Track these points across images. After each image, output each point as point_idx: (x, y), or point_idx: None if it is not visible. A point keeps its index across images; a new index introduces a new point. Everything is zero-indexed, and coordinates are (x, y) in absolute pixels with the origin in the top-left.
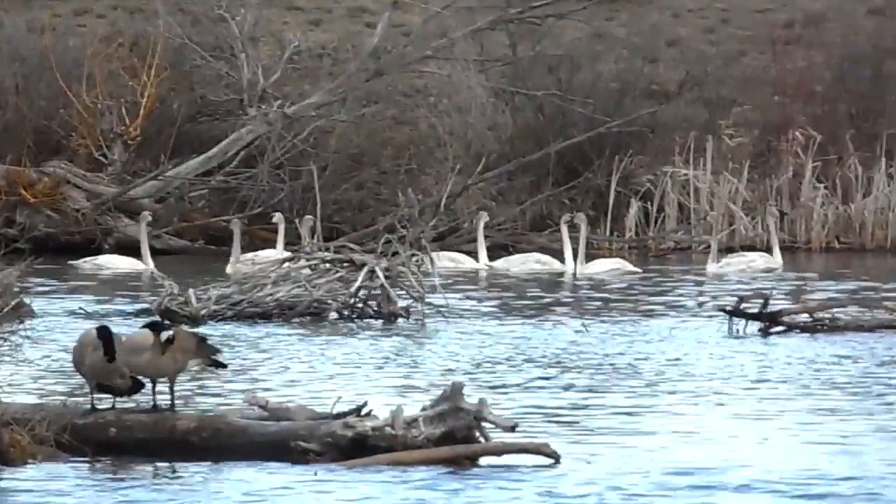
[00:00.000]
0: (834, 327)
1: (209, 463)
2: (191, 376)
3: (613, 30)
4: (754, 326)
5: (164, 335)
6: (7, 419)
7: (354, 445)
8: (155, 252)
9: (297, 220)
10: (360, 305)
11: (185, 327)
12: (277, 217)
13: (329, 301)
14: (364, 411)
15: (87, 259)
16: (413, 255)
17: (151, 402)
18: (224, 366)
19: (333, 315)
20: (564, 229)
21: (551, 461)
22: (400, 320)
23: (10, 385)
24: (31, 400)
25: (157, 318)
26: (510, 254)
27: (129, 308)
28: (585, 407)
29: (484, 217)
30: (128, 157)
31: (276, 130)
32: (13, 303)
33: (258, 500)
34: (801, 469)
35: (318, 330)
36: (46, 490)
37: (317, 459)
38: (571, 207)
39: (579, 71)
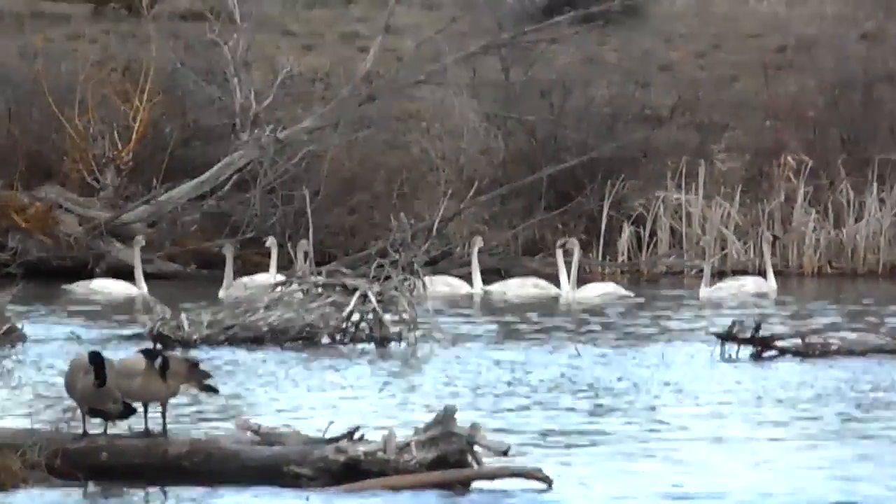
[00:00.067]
0: (826, 352)
1: (201, 488)
2: (183, 401)
3: (605, 55)
4: (747, 351)
5: (158, 363)
6: None
7: (347, 470)
8: (147, 276)
9: (289, 245)
10: (352, 330)
11: (178, 352)
12: (270, 241)
13: (321, 325)
14: (356, 436)
15: (81, 283)
16: (405, 279)
17: (143, 427)
18: (216, 391)
19: (326, 339)
20: (560, 254)
21: (544, 486)
22: (392, 344)
23: (1, 409)
24: (23, 424)
25: (149, 343)
26: (502, 278)
27: (122, 332)
28: (578, 431)
29: (479, 242)
30: (120, 181)
31: (269, 155)
32: (5, 327)
33: None
34: (795, 494)
35: (311, 354)
36: None
37: (309, 484)
38: (564, 232)
39: (571, 95)
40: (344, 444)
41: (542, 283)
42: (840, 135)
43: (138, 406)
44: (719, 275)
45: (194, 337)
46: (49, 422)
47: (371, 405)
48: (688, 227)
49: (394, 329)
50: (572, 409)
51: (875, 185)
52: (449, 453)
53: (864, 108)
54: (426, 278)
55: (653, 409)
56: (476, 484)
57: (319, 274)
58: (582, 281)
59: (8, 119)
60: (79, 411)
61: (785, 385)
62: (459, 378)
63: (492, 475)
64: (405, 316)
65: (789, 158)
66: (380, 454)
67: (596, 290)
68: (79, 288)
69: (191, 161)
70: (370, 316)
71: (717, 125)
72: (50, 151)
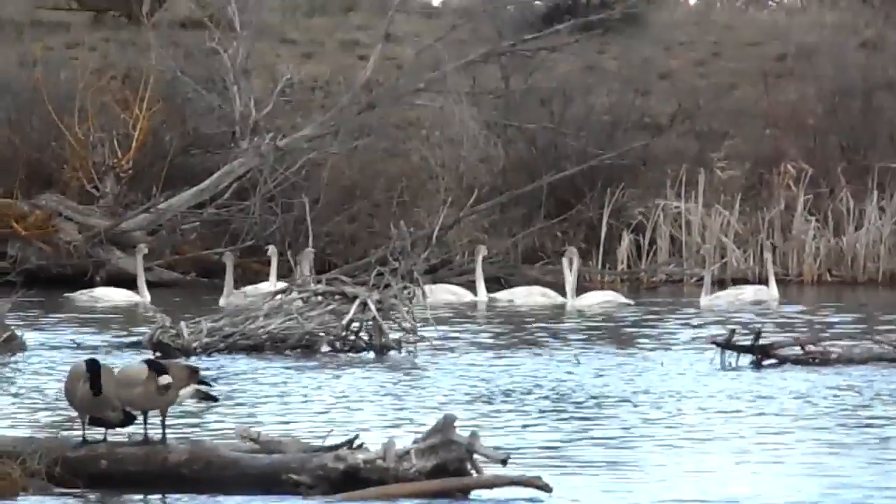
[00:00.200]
0: (826, 360)
1: (200, 495)
2: (182, 409)
3: (605, 63)
4: (746, 359)
5: (164, 381)
6: None
7: (346, 478)
8: (147, 284)
9: (289, 253)
10: (351, 338)
11: (180, 361)
12: (271, 250)
13: (321, 333)
14: (356, 444)
15: (83, 291)
16: (405, 287)
17: (143, 435)
18: (215, 399)
19: (325, 347)
20: (566, 263)
21: (543, 494)
22: (392, 353)
23: (1, 417)
24: (23, 432)
25: (153, 353)
26: (502, 286)
27: (123, 340)
28: (578, 440)
29: (482, 250)
30: (120, 189)
31: (269, 163)
32: (4, 335)
33: None
34: (794, 501)
35: (310, 362)
36: None
37: (308, 492)
38: (563, 240)
39: (571, 104)
40: (343, 452)
41: (550, 292)
42: (840, 143)
43: (138, 414)
44: (719, 283)
45: (194, 345)
46: (49, 430)
47: (370, 413)
48: (687, 235)
49: (393, 337)
50: (571, 417)
51: (875, 193)
52: (448, 461)
53: (864, 116)
54: (428, 286)
55: (652, 417)
56: (475, 492)
57: (319, 282)
58: (582, 289)
59: (8, 127)
60: (79, 419)
61: (785, 393)
62: (459, 386)
63: (491, 484)
64: (405, 324)
65: (789, 166)
66: (379, 462)
67: (596, 299)
68: (81, 296)
69: (190, 169)
70: (370, 324)
71: (717, 133)
72: (50, 159)
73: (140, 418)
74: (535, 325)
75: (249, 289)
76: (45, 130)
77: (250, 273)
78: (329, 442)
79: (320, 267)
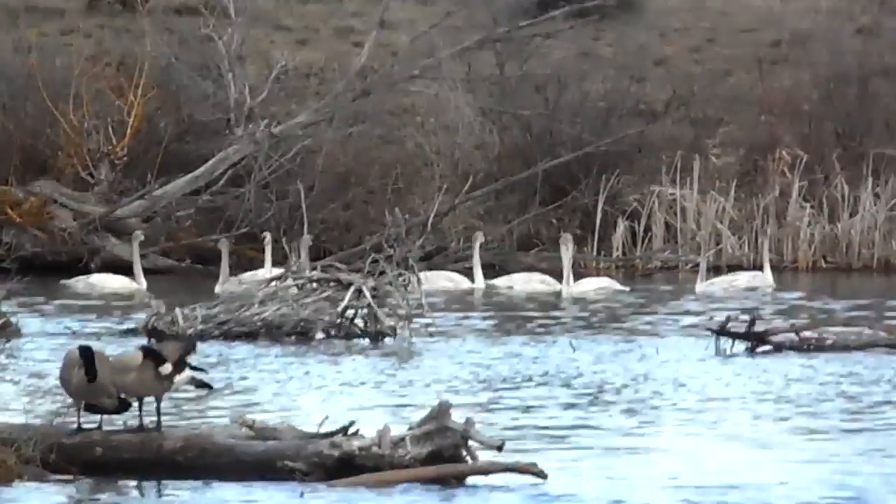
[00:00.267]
0: (821, 347)
1: (196, 482)
2: (177, 396)
3: (600, 49)
4: (741, 346)
5: (166, 370)
6: None
7: (341, 465)
8: (142, 271)
9: (283, 240)
10: (346, 325)
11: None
12: (266, 237)
13: (316, 320)
14: (351, 431)
15: (80, 278)
16: (400, 274)
17: (138, 422)
18: (210, 386)
19: (320, 334)
20: (564, 249)
21: (539, 480)
22: (387, 339)
23: None
24: (18, 419)
25: (148, 340)
26: (498, 273)
27: (118, 327)
28: (573, 426)
29: (480, 237)
30: (115, 176)
31: (263, 150)
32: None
33: None
34: (790, 487)
35: (306, 349)
36: None
37: (303, 479)
38: (559, 227)
39: (566, 90)
40: (338, 438)
41: (549, 279)
42: (835, 129)
43: (133, 401)
44: (714, 270)
45: (189, 332)
46: (44, 417)
47: (366, 400)
48: (682, 221)
49: (388, 324)
50: (567, 404)
51: (870, 179)
52: (443, 448)
53: (860, 103)
54: (425, 274)
55: (648, 403)
56: (471, 479)
57: (314, 269)
58: (577, 276)
59: (2, 114)
60: (74, 406)
61: (780, 379)
62: (454, 373)
63: (486, 470)
64: (400, 311)
65: (784, 153)
66: (374, 449)
67: (591, 285)
68: (78, 283)
69: (185, 156)
70: (365, 311)
71: (712, 120)
72: (44, 146)
73: (135, 405)
74: (532, 312)
75: (246, 276)
76: (39, 117)
77: (245, 260)
78: (324, 429)
79: (315, 254)
